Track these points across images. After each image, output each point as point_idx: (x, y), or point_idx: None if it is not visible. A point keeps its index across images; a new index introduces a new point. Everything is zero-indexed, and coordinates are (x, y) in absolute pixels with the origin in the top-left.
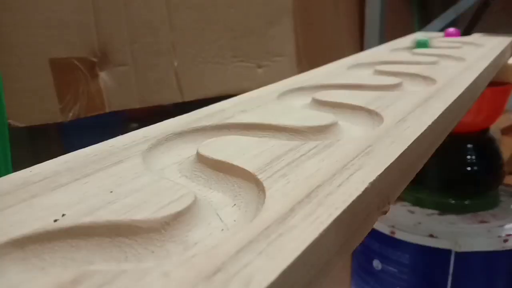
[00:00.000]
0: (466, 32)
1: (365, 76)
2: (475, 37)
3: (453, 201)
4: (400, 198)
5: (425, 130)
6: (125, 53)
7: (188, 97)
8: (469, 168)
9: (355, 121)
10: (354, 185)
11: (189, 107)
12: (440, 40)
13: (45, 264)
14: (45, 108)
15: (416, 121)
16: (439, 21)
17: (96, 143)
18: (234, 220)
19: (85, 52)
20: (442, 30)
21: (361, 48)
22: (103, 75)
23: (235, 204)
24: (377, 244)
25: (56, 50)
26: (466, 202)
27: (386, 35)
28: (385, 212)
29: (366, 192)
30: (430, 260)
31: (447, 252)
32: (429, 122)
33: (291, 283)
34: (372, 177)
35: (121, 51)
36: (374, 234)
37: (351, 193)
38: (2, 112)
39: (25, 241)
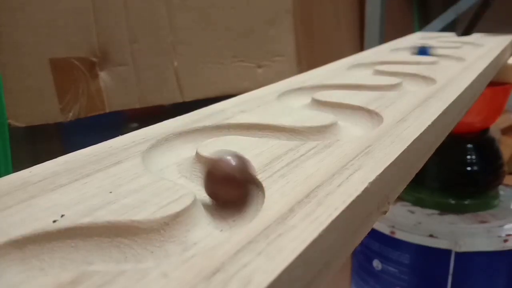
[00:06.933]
0: (466, 32)
1: (365, 76)
2: (475, 37)
3: (453, 201)
4: (400, 198)
5: (425, 130)
6: (125, 53)
7: (188, 97)
8: (469, 168)
9: (354, 121)
10: (354, 185)
11: (189, 107)
12: (440, 40)
13: (44, 264)
14: (45, 108)
15: (416, 121)
16: (439, 21)
17: (96, 143)
18: (234, 220)
19: (85, 52)
20: (442, 30)
21: (361, 48)
22: (103, 75)
23: None
24: (377, 244)
25: (56, 50)
26: (466, 202)
27: (386, 35)
28: (384, 212)
29: (365, 192)
30: (430, 260)
31: (447, 252)
32: (429, 122)
33: (291, 283)
34: (372, 177)
35: (121, 51)
36: (374, 234)
37: (350, 193)
38: (2, 112)
39: (25, 241)
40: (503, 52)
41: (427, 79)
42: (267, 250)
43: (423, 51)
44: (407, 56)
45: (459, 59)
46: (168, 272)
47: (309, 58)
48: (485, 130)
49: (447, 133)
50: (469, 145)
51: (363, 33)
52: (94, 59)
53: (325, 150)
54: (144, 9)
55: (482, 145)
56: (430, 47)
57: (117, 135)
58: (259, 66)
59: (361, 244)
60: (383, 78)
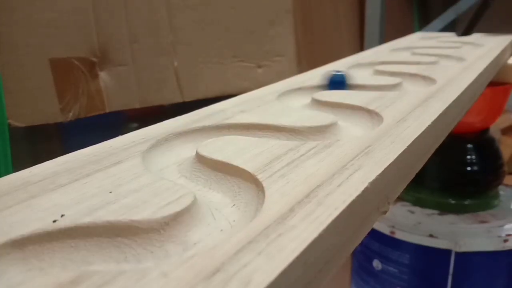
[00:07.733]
0: (466, 32)
1: (365, 76)
2: (475, 37)
3: (453, 201)
4: (400, 198)
5: (425, 130)
6: (125, 53)
7: (188, 97)
8: (469, 168)
9: (354, 121)
10: (354, 185)
11: (189, 107)
12: (440, 40)
13: (44, 264)
14: (45, 108)
15: (416, 121)
16: (439, 21)
17: (96, 143)
18: (234, 220)
19: (85, 52)
20: (442, 30)
21: (361, 48)
22: (103, 75)
23: (234, 205)
24: (377, 244)
25: (56, 50)
26: (466, 202)
27: (386, 35)
28: (384, 212)
29: (365, 192)
30: (430, 260)
31: (447, 252)
32: (429, 122)
33: (291, 283)
34: (372, 177)
35: (121, 51)
36: (374, 234)
37: (350, 193)
38: (2, 112)
39: (25, 241)
40: (503, 52)
41: (427, 79)
42: (267, 250)
43: (336, 81)
44: (407, 56)
45: (459, 59)
46: (168, 272)
47: (309, 58)
48: (485, 130)
49: (447, 133)
50: (469, 145)
51: (363, 33)
52: (94, 59)
53: (325, 150)
54: (144, 9)
55: (482, 145)
56: (344, 75)
57: (117, 135)
58: (259, 66)
59: (361, 244)
60: (383, 78)
